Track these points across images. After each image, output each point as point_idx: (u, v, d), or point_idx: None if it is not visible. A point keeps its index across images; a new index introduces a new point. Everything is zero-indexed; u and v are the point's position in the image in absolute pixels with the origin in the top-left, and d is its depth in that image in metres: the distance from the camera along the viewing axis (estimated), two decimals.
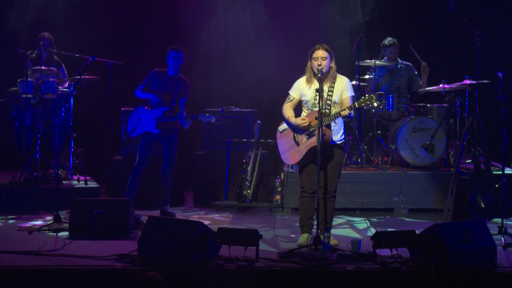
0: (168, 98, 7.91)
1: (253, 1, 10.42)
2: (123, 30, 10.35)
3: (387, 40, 9.44)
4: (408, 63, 9.60)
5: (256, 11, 10.40)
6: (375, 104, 6.42)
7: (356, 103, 6.48)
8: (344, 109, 6.41)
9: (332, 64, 6.61)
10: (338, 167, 6.74)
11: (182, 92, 7.97)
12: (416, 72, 9.57)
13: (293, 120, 6.65)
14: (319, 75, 6.47)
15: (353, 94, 6.70)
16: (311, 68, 6.63)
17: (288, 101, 6.74)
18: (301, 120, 6.60)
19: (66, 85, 9.19)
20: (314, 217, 6.61)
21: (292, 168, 8.49)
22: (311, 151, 6.51)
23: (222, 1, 10.52)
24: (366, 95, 6.52)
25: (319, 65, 6.50)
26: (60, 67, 9.26)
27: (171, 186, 8.11)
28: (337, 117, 6.46)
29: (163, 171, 8.02)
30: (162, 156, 8.02)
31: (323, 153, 6.48)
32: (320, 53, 6.55)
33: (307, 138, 6.59)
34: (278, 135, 6.87)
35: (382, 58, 9.43)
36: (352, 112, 6.48)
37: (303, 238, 6.64)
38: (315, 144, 6.40)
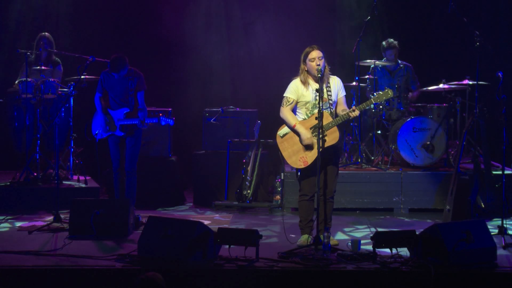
0: (126, 98, 7.68)
1: (254, 4, 10.42)
2: (123, 30, 10.35)
3: (387, 43, 9.44)
4: (408, 64, 9.60)
5: (257, 13, 10.39)
6: (391, 98, 6.41)
7: (372, 99, 6.53)
8: (354, 110, 6.42)
9: (325, 63, 6.63)
10: (337, 167, 6.74)
11: (137, 86, 7.69)
12: (415, 75, 9.58)
13: (302, 130, 6.53)
14: (319, 75, 6.47)
15: (345, 93, 6.74)
16: (307, 70, 6.61)
17: (287, 104, 6.65)
18: (309, 140, 6.49)
19: (51, 80, 9.07)
20: (314, 217, 6.61)
21: (292, 168, 8.50)
22: (323, 152, 6.42)
23: (221, 2, 10.52)
24: (380, 91, 6.57)
25: (318, 65, 6.50)
26: (57, 65, 9.25)
27: (135, 189, 7.81)
28: (347, 117, 6.44)
29: (126, 170, 7.74)
30: (126, 153, 7.77)
31: (327, 153, 6.49)
32: (316, 53, 6.56)
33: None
34: (278, 139, 6.73)
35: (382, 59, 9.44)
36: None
37: (303, 238, 6.64)
38: (328, 144, 6.40)
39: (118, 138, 7.74)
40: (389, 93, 6.56)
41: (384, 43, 9.46)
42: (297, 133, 6.59)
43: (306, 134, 6.53)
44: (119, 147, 7.77)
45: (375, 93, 6.66)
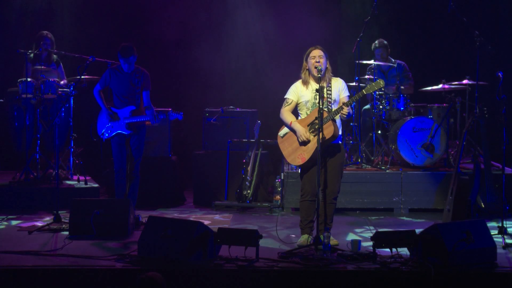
0: (132, 96, 7.67)
1: (254, 3, 10.42)
2: (123, 30, 10.35)
3: (376, 43, 9.46)
4: (401, 62, 9.60)
5: (257, 13, 10.39)
6: (383, 89, 6.40)
7: (364, 90, 6.56)
8: (342, 107, 6.43)
9: (328, 65, 6.68)
10: (341, 168, 6.75)
11: (144, 85, 7.68)
12: (409, 73, 9.57)
13: (297, 127, 6.60)
14: (319, 75, 6.49)
15: (349, 94, 6.75)
16: (308, 68, 6.67)
17: (286, 105, 6.73)
18: (304, 135, 6.54)
19: (62, 82, 9.15)
20: (315, 218, 6.60)
21: (292, 168, 8.51)
22: (321, 148, 6.46)
23: (224, 3, 10.52)
24: (373, 82, 6.59)
25: (317, 62, 6.57)
26: (58, 65, 9.26)
27: (137, 190, 7.80)
28: (338, 113, 6.47)
29: (132, 170, 7.74)
30: (132, 154, 7.75)
31: (327, 152, 6.52)
32: (317, 52, 6.63)
33: (314, 136, 6.57)
34: (279, 140, 6.82)
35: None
36: (351, 110, 6.52)
37: (303, 238, 6.64)
38: (324, 139, 6.41)
39: (122, 138, 7.72)
40: (381, 83, 6.56)
41: (374, 43, 9.49)
42: (293, 130, 6.65)
43: (301, 130, 6.59)
44: (123, 148, 7.76)
45: (375, 93, 6.68)
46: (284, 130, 6.79)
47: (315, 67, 6.55)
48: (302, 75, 6.73)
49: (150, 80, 7.75)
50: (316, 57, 6.60)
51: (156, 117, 7.59)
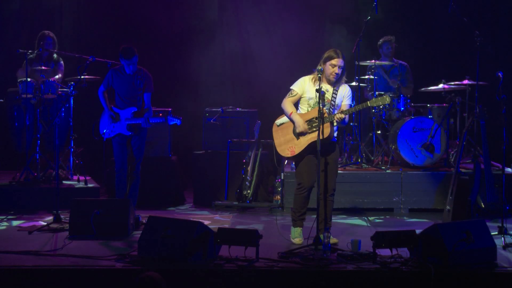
0: (134, 98, 7.67)
1: (253, 4, 10.42)
2: (123, 30, 10.35)
3: (384, 37, 9.50)
4: (403, 63, 9.61)
5: (258, 13, 10.40)
6: (388, 105, 6.47)
7: (368, 102, 6.58)
8: (339, 113, 6.49)
9: (343, 71, 6.67)
10: (336, 165, 6.79)
11: (145, 87, 7.68)
12: (409, 75, 9.59)
13: (297, 118, 6.62)
14: (324, 85, 6.57)
15: (351, 103, 6.77)
16: (324, 72, 6.61)
17: (290, 96, 6.72)
18: (303, 126, 6.57)
19: (57, 77, 9.09)
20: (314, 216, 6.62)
21: (292, 168, 8.51)
22: (311, 146, 6.54)
23: (222, 2, 10.51)
24: (379, 97, 6.64)
25: (336, 73, 6.57)
26: (58, 62, 9.24)
27: (138, 190, 7.81)
28: (337, 117, 6.48)
29: (133, 170, 7.74)
30: (133, 154, 7.75)
31: (322, 150, 6.52)
32: (338, 61, 6.58)
33: (311, 132, 6.59)
34: (274, 127, 6.86)
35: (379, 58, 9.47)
36: (347, 118, 6.61)
37: (296, 233, 6.66)
38: (315, 139, 6.42)
39: (123, 138, 7.72)
40: (386, 99, 6.59)
41: (383, 38, 9.52)
42: (292, 121, 6.67)
43: (300, 121, 6.61)
44: (124, 148, 7.75)
45: (375, 93, 6.69)
46: (282, 119, 6.82)
47: (331, 75, 6.56)
48: (316, 74, 6.60)
49: (152, 82, 7.74)
50: (337, 67, 6.57)
51: (147, 121, 7.56)
